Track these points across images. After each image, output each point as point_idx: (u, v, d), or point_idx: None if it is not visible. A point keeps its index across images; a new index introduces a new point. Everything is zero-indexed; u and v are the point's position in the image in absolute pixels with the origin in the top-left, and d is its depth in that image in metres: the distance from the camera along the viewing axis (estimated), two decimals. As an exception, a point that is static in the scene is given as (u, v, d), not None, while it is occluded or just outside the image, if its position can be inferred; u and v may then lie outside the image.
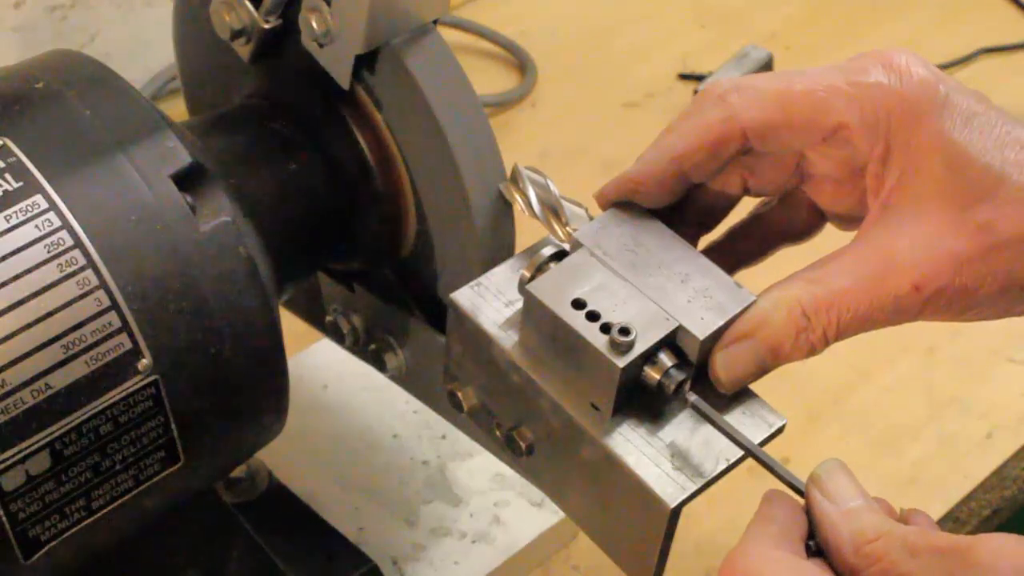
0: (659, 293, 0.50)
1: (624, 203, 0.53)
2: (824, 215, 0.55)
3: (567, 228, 0.55)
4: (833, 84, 0.50)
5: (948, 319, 0.50)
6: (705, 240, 0.57)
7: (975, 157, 0.48)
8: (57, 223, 0.48)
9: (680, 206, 0.54)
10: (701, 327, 0.49)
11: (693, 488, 0.48)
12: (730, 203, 0.56)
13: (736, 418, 0.49)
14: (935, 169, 0.49)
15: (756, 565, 0.43)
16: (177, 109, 0.69)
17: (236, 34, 0.59)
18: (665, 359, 0.48)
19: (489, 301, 0.52)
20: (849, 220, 0.54)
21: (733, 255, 0.56)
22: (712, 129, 0.51)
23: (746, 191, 0.55)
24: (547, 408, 0.51)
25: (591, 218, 0.55)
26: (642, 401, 0.49)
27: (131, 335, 0.49)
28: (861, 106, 0.49)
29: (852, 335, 0.49)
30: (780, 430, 0.50)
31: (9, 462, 0.47)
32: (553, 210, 0.55)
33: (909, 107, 0.49)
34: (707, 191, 0.55)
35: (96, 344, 0.48)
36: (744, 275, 0.54)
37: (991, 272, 0.48)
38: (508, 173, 0.57)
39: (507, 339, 0.51)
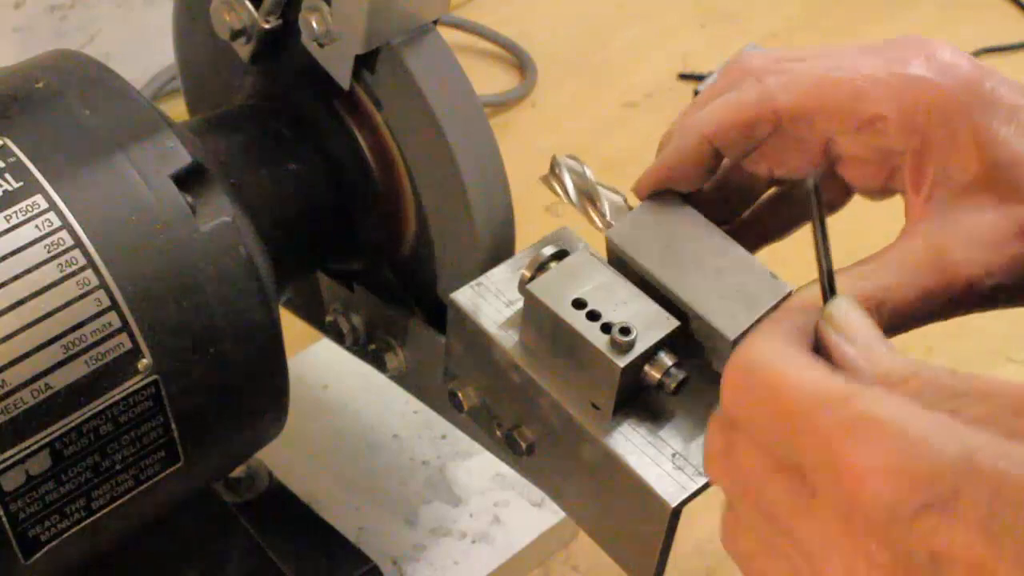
0: (692, 291, 0.50)
1: (659, 194, 0.53)
2: (850, 190, 0.55)
3: (605, 219, 0.54)
4: (873, 74, 0.49)
5: (1003, 307, 0.49)
6: None
7: (1019, 153, 0.48)
8: (57, 223, 0.48)
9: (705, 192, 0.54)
10: (733, 326, 0.48)
11: (694, 487, 0.48)
12: (757, 186, 0.55)
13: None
14: (978, 166, 0.48)
15: (765, 358, 0.39)
16: (177, 109, 0.69)
17: (236, 34, 0.59)
18: (666, 358, 0.48)
19: (489, 301, 0.52)
20: (878, 194, 0.53)
21: (758, 231, 0.56)
22: (747, 109, 0.50)
23: (770, 173, 0.54)
24: (547, 408, 0.50)
25: (628, 204, 0.55)
26: (643, 401, 0.49)
27: (131, 335, 0.49)
28: (900, 99, 0.49)
29: (902, 332, 0.48)
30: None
31: (9, 462, 0.47)
32: (590, 197, 0.55)
33: (951, 103, 0.48)
34: (735, 173, 0.54)
35: (96, 344, 0.48)
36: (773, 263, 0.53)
37: None
38: (506, 173, 0.57)
39: (507, 339, 0.51)
